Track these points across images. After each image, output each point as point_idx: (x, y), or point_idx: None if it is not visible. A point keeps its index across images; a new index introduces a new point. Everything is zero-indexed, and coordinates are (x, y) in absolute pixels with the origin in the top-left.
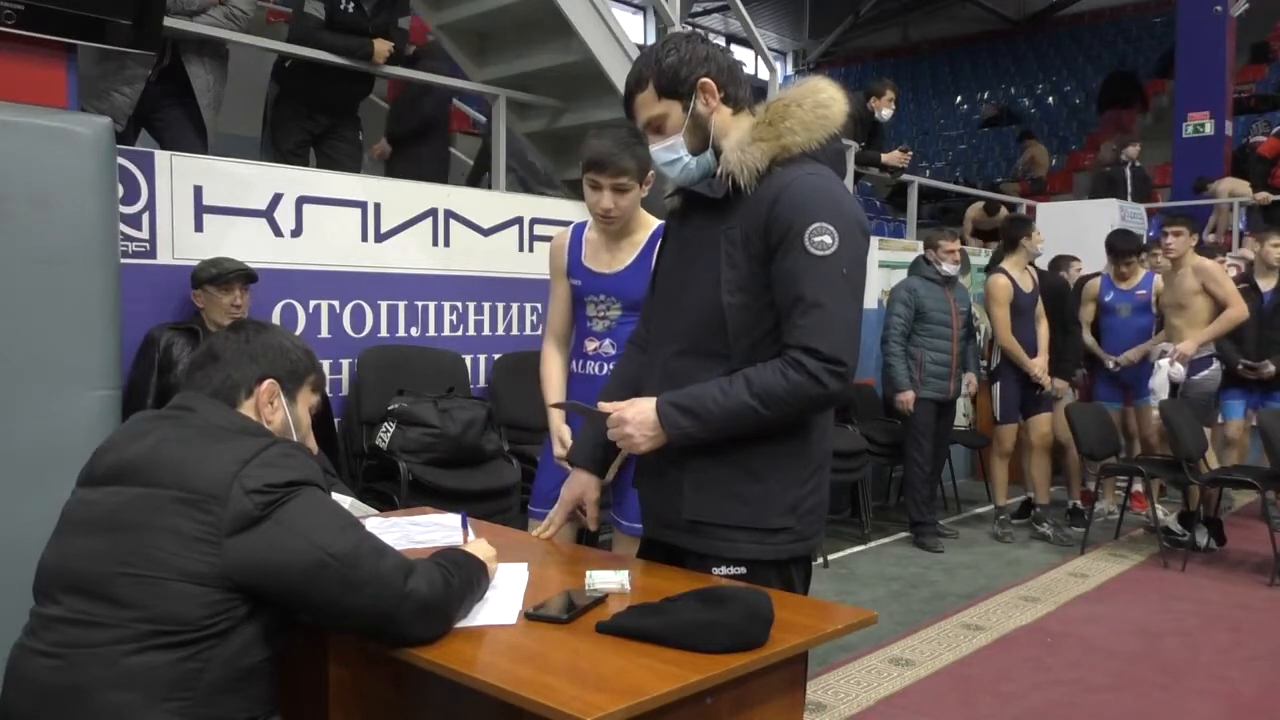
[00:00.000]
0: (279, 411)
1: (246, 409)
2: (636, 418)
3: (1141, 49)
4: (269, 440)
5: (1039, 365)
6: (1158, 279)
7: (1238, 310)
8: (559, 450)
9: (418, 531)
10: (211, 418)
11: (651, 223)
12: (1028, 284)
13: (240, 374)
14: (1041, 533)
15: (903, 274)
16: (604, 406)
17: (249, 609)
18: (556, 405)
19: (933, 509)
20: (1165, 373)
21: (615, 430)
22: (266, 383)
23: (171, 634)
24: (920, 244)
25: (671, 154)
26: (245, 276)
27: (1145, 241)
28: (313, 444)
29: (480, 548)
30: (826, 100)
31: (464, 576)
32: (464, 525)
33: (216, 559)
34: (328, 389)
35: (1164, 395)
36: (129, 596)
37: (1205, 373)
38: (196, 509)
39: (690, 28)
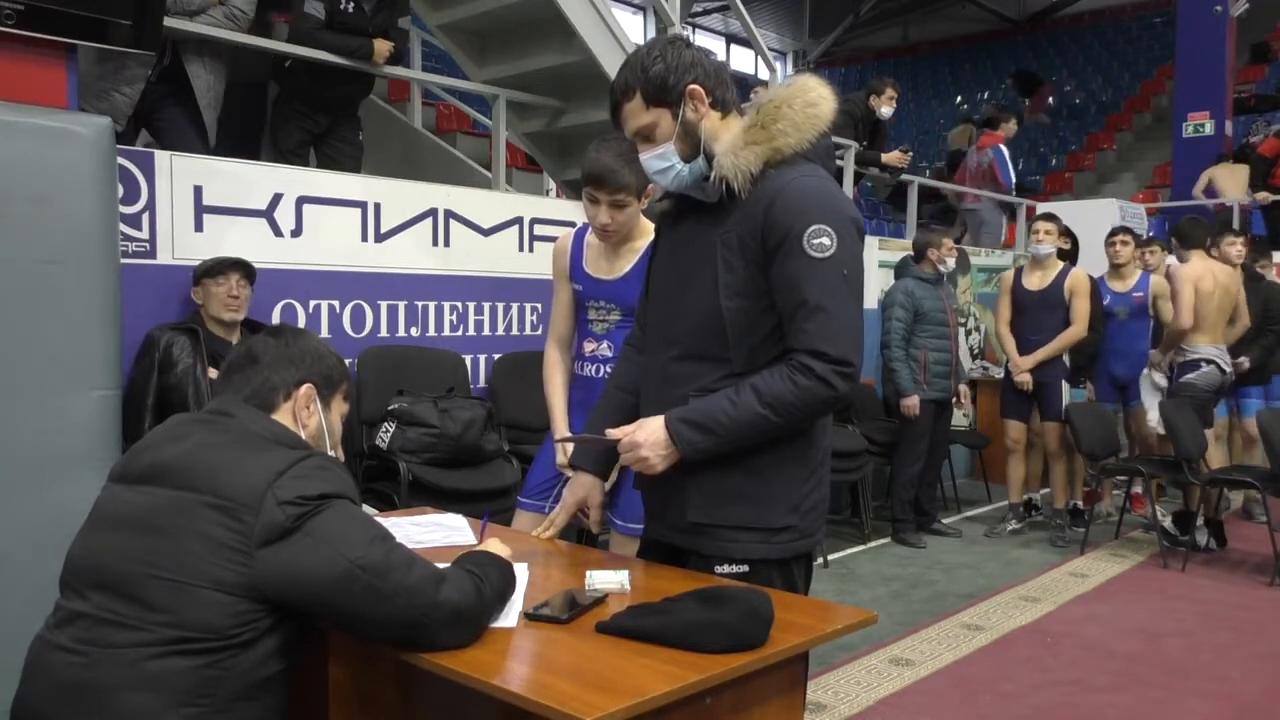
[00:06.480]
0: (314, 416)
1: (283, 413)
2: (649, 439)
3: (1141, 49)
4: (305, 453)
5: (1020, 362)
6: (1155, 278)
7: (1174, 325)
8: (561, 459)
9: (418, 532)
10: (250, 425)
11: (651, 230)
12: (1035, 282)
13: (279, 377)
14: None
15: None
16: (612, 433)
17: (273, 621)
18: (563, 439)
19: (933, 507)
20: (1150, 381)
21: (629, 455)
22: (305, 387)
23: (196, 641)
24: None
25: (663, 162)
26: (240, 266)
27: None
28: (341, 453)
29: (495, 547)
30: (815, 99)
31: (496, 584)
32: (484, 526)
33: (247, 569)
34: None
35: (1153, 402)
36: (158, 600)
37: (1193, 375)
38: (229, 516)
39: (689, 28)
